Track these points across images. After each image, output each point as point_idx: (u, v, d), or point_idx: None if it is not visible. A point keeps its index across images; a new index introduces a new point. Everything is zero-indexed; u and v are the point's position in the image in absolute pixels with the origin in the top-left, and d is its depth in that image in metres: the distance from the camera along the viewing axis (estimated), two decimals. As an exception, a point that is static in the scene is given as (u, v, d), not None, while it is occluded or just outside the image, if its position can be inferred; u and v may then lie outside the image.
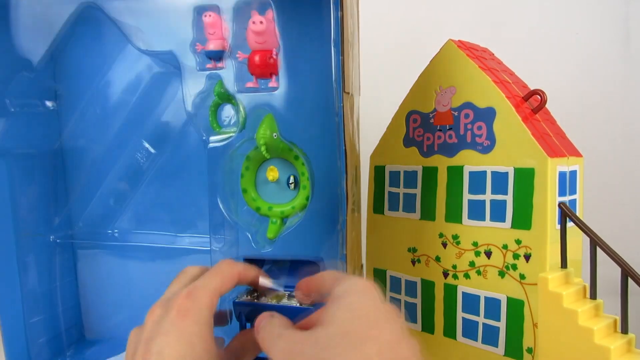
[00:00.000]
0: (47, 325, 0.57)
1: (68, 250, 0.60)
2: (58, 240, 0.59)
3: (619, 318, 0.42)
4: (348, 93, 0.46)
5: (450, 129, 0.51)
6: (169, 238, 0.59)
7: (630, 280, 0.40)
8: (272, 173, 0.49)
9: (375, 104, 0.65)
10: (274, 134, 0.47)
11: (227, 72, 0.49)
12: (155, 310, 0.37)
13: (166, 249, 0.58)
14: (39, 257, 0.57)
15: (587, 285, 0.44)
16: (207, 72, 0.50)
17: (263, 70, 0.48)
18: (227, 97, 0.50)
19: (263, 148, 0.47)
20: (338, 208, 0.48)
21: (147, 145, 0.58)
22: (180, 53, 0.51)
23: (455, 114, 0.50)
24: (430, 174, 0.53)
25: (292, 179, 0.49)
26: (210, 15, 0.48)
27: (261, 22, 0.45)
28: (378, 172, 0.58)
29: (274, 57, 0.48)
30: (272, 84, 0.48)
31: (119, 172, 0.59)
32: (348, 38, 0.46)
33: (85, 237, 0.61)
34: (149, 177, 0.59)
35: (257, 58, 0.47)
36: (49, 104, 0.57)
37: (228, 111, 0.52)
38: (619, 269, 0.40)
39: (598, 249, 0.42)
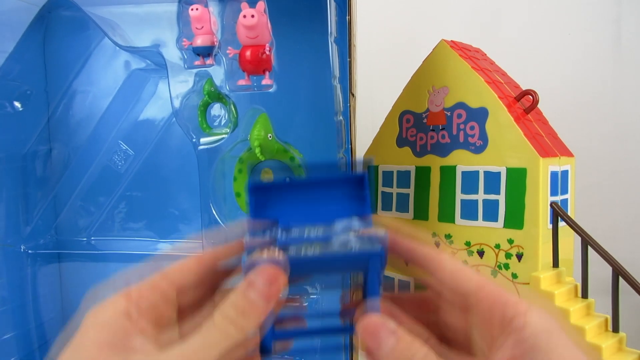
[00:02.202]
0: (19, 343, 0.53)
1: (40, 261, 0.56)
2: (30, 251, 0.54)
3: (610, 317, 0.42)
4: (353, 95, 0.46)
5: (443, 129, 0.51)
6: (150, 244, 0.56)
7: (621, 279, 0.40)
8: (267, 176, 0.48)
9: (369, 104, 0.65)
10: (269, 134, 0.45)
11: (217, 69, 0.47)
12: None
13: (148, 256, 0.55)
14: (8, 269, 0.52)
15: (579, 284, 0.44)
16: (195, 70, 0.47)
17: (255, 66, 0.45)
18: (217, 96, 0.48)
19: (257, 150, 0.45)
20: None
21: (124, 146, 0.55)
22: (165, 49, 0.48)
23: (448, 114, 0.50)
24: (423, 173, 0.53)
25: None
26: (197, 9, 0.45)
27: (252, 16, 0.43)
28: (371, 172, 0.58)
29: (267, 52, 0.45)
30: (265, 81, 0.46)
31: (95, 175, 0.56)
32: (354, 43, 0.46)
33: (59, 247, 0.57)
34: (127, 180, 0.56)
35: (248, 53, 0.45)
36: (17, 104, 0.53)
37: (218, 111, 0.50)
38: (610, 268, 0.41)
39: (589, 248, 0.42)
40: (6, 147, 0.53)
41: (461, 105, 0.49)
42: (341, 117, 0.46)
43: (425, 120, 0.53)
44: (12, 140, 0.53)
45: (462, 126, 0.49)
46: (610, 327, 0.42)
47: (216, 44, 0.47)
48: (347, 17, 0.42)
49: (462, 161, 0.49)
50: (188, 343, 0.24)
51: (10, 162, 0.53)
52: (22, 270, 0.54)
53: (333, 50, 0.44)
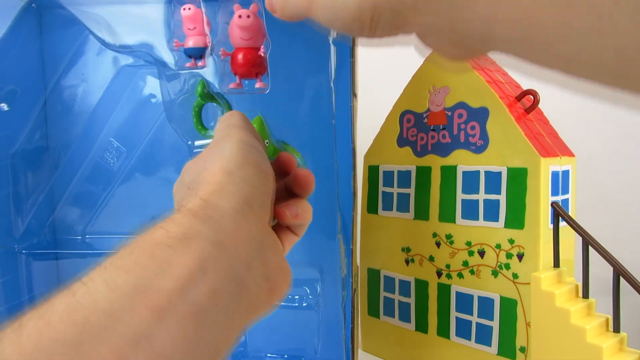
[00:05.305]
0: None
1: (34, 260, 0.55)
2: (23, 251, 0.54)
3: (611, 317, 0.42)
4: (356, 95, 0.46)
5: (443, 128, 0.51)
6: None
7: (622, 280, 0.40)
8: None
9: (369, 104, 0.65)
10: (266, 141, 0.44)
11: (209, 71, 0.46)
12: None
13: None
14: (3, 270, 0.52)
15: (580, 284, 0.44)
16: (187, 72, 0.46)
17: (247, 69, 0.43)
18: (210, 98, 0.47)
19: None
20: (337, 211, 0.47)
21: (116, 143, 0.55)
22: (155, 50, 0.47)
23: (449, 113, 0.50)
24: (424, 173, 0.53)
25: None
26: (189, 8, 0.44)
27: (248, 17, 0.41)
28: (372, 172, 0.58)
29: (262, 54, 0.43)
30: (258, 84, 0.45)
31: (86, 173, 0.55)
32: (357, 42, 0.46)
33: (53, 246, 0.56)
34: (120, 177, 0.55)
35: (240, 56, 0.43)
36: (3, 104, 0.52)
37: (214, 112, 0.50)
38: (611, 268, 0.41)
39: (590, 248, 0.42)
40: None
41: (462, 105, 0.49)
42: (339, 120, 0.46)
43: (425, 120, 0.53)
44: (2, 139, 0.53)
45: (462, 126, 0.49)
46: (611, 327, 0.42)
47: (209, 45, 0.45)
48: None
49: (463, 161, 0.49)
50: None
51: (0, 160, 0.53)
52: (16, 271, 0.54)
53: (332, 52, 0.44)
